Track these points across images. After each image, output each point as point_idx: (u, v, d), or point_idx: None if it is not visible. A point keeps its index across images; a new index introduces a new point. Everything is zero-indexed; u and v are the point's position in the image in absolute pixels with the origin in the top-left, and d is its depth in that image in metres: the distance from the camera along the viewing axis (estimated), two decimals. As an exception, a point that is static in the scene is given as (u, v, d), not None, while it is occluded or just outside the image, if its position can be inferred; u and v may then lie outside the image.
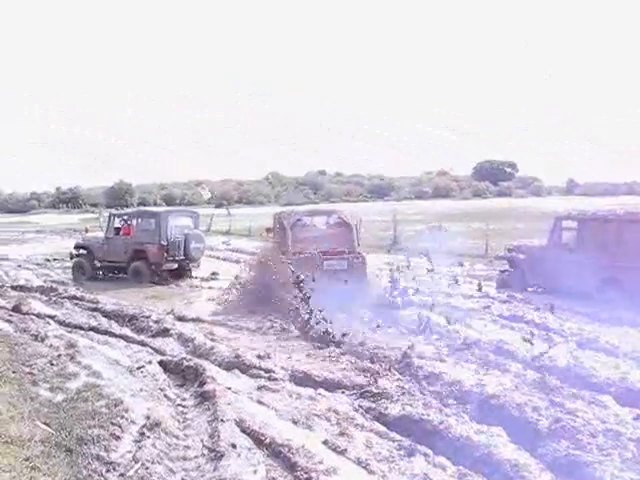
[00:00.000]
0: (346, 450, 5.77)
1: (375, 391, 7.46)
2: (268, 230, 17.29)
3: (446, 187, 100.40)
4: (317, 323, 10.89)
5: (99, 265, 20.17)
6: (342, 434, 6.16)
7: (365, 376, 8.20)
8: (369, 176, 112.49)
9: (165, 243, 18.62)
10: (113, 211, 23.04)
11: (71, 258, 20.96)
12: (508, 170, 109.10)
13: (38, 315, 12.42)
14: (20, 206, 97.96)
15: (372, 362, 8.88)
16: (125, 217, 20.41)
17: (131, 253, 19.15)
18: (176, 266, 19.25)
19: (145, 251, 18.90)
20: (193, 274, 19.80)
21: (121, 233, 19.88)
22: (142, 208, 27.63)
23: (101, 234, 20.91)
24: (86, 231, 24.14)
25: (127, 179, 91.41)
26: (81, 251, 20.67)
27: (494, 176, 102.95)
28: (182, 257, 19.04)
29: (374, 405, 7.09)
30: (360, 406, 7.12)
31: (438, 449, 5.83)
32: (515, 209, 54.41)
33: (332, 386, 7.85)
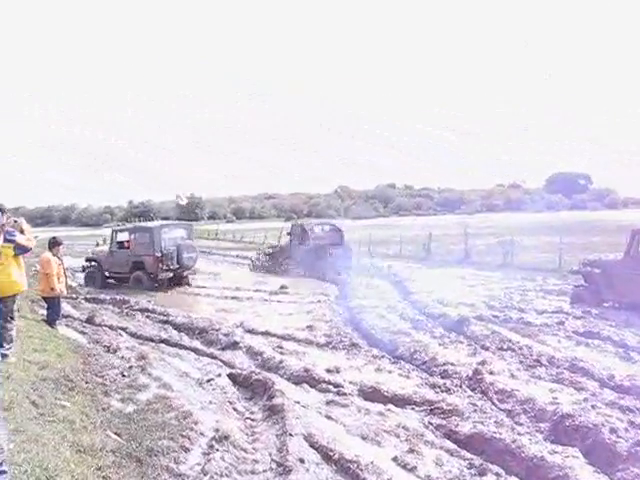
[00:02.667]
0: (416, 468, 5.68)
1: (445, 408, 7.33)
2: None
3: (518, 200, 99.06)
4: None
5: (107, 275, 22.15)
6: (412, 451, 6.07)
7: (435, 392, 8.08)
8: (439, 189, 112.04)
9: (160, 254, 20.37)
10: (115, 227, 25.45)
11: (83, 270, 22.96)
12: (582, 182, 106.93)
13: (110, 327, 12.73)
14: (94, 220, 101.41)
15: (443, 378, 8.75)
16: (125, 232, 22.36)
17: (131, 264, 21.09)
18: (172, 275, 20.89)
19: (143, 262, 20.80)
20: (193, 282, 21.90)
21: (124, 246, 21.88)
22: (138, 224, 30.26)
23: (107, 248, 23.10)
24: (96, 245, 26.08)
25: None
26: (92, 263, 22.68)
27: (567, 188, 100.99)
28: (176, 266, 20.73)
29: (444, 422, 6.96)
30: (430, 423, 7.01)
31: (510, 469, 5.69)
32: (589, 222, 53.07)
33: (402, 402, 7.75)
